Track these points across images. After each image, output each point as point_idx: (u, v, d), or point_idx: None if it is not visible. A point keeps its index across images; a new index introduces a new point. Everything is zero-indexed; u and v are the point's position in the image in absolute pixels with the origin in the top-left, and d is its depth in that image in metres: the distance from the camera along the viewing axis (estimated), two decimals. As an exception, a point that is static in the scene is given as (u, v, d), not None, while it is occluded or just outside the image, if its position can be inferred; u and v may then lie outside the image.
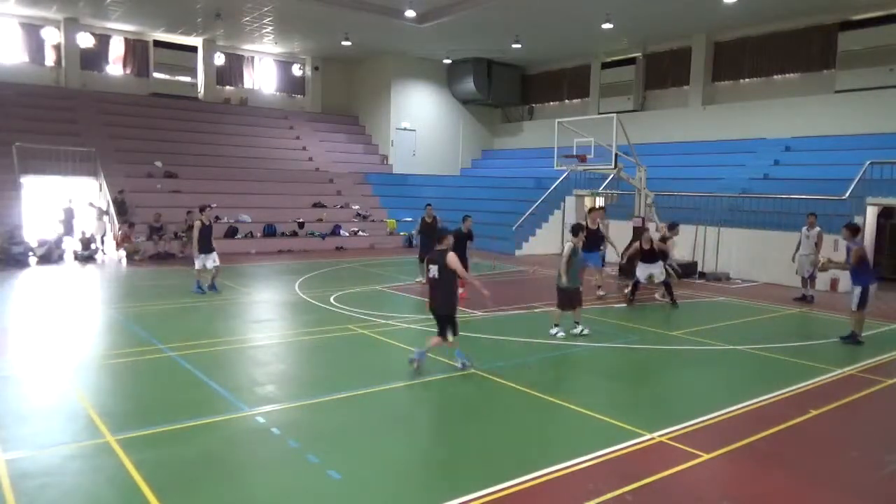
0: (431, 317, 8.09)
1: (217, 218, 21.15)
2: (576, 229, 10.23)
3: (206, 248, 12.90)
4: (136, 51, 26.43)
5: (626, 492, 4.85)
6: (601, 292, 13.60)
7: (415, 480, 5.15)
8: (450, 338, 7.84)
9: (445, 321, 7.85)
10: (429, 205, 15.00)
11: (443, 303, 7.85)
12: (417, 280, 14.60)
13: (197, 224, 13.00)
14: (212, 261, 12.95)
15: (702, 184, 20.08)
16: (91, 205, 20.13)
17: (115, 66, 26.18)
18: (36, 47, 24.49)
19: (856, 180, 16.17)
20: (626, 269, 14.27)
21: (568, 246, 9.86)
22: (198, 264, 12.94)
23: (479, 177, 29.58)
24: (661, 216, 17.46)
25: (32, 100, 23.08)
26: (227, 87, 28.90)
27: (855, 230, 10.23)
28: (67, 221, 19.20)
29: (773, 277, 16.22)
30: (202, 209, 13.23)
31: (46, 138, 20.35)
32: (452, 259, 7.65)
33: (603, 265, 14.73)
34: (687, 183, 20.32)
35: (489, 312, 11.63)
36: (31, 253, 17.22)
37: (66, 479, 4.94)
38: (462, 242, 12.61)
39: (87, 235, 18.55)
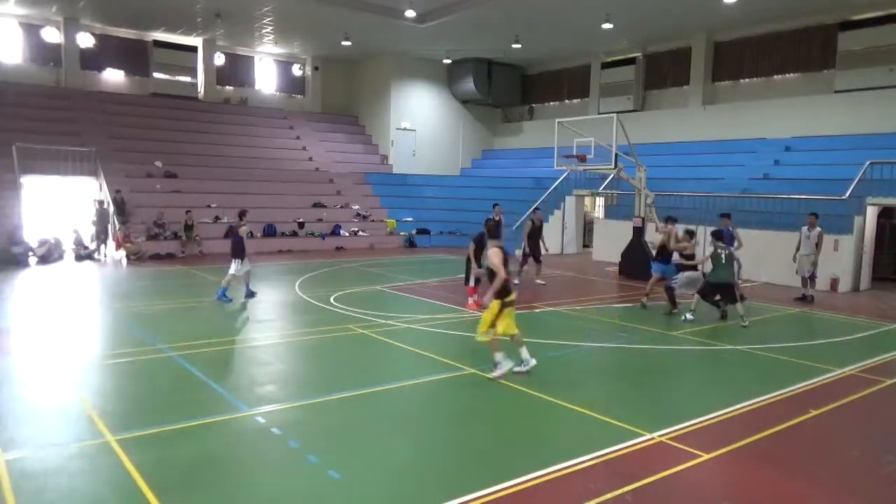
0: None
1: (217, 218, 21.24)
2: (717, 234, 12.14)
3: (243, 252, 12.42)
4: (136, 51, 26.43)
5: (626, 492, 4.85)
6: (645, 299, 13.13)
7: (415, 480, 5.15)
8: None
9: None
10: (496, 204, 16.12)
11: None
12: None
13: (244, 230, 12.49)
14: (247, 266, 12.54)
15: (702, 184, 20.07)
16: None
17: (114, 66, 26.17)
18: (36, 47, 24.48)
19: (856, 180, 16.18)
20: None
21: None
22: (240, 270, 12.30)
23: (479, 177, 29.55)
24: (661, 216, 17.40)
25: (32, 100, 23.05)
26: (227, 87, 28.89)
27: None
28: (101, 221, 19.11)
29: (773, 277, 16.20)
30: (242, 215, 12.83)
31: (46, 138, 20.32)
32: None
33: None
34: (687, 183, 20.32)
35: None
36: (31, 253, 17.23)
37: (66, 480, 4.94)
38: (483, 243, 12.65)
39: (87, 235, 18.56)
